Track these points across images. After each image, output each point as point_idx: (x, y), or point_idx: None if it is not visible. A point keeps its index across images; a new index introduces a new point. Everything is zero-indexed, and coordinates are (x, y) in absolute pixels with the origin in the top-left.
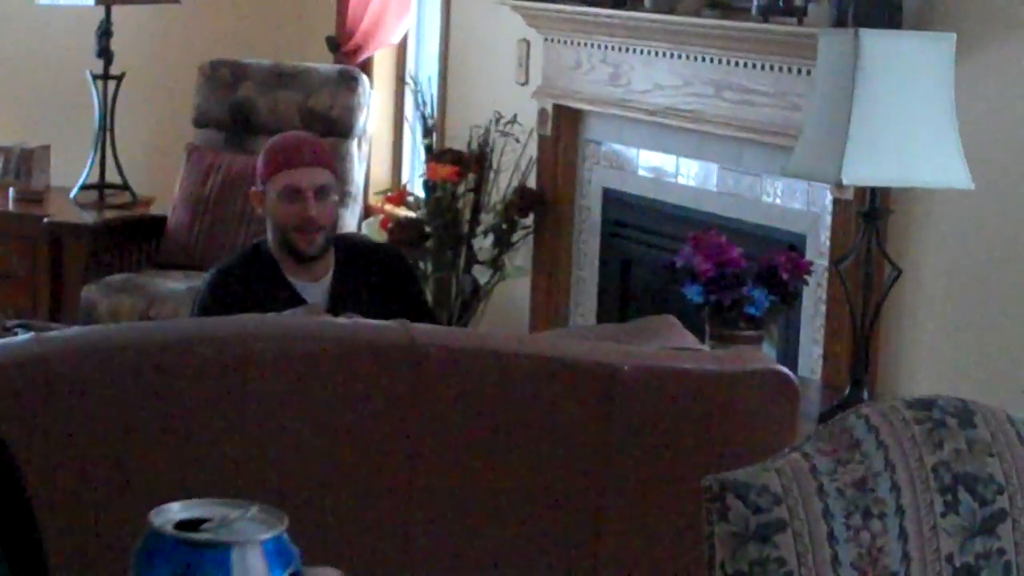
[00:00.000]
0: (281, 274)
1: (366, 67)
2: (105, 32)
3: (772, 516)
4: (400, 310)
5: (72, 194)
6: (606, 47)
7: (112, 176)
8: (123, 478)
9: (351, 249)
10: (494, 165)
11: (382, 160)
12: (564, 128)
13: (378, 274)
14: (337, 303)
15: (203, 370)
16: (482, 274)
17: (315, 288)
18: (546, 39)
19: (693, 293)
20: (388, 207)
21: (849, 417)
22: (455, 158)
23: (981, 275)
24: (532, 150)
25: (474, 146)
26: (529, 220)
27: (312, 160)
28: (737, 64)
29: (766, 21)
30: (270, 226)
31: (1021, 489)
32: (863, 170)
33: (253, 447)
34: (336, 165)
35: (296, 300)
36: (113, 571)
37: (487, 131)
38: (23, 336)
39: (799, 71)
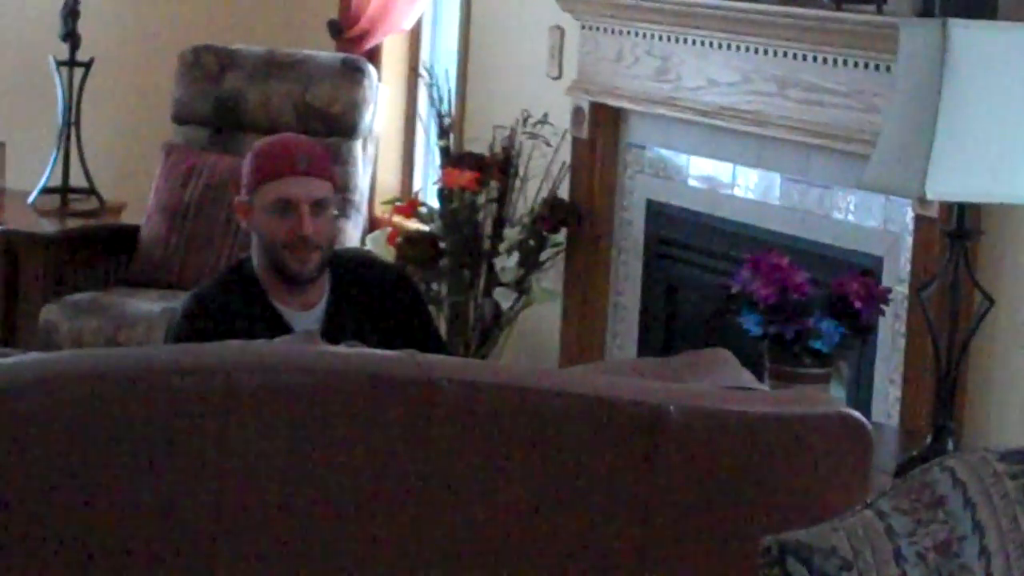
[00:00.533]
0: (267, 301)
1: (373, 56)
2: (71, 12)
3: None
4: (407, 344)
5: (30, 199)
6: (652, 36)
7: (77, 179)
8: (86, 525)
9: (350, 270)
10: (520, 172)
11: (390, 164)
12: (602, 130)
13: (380, 300)
14: (332, 334)
15: (179, 405)
16: (505, 298)
17: (306, 317)
18: (583, 26)
19: (751, 323)
20: (396, 219)
21: (932, 470)
22: (475, 163)
23: None
24: (565, 155)
25: (497, 149)
26: (561, 236)
27: (308, 169)
28: (805, 58)
29: (839, 9)
30: (256, 244)
31: None
32: (950, 183)
33: (235, 492)
34: (336, 173)
35: (284, 331)
36: None
37: (513, 132)
38: None
39: (877, 67)
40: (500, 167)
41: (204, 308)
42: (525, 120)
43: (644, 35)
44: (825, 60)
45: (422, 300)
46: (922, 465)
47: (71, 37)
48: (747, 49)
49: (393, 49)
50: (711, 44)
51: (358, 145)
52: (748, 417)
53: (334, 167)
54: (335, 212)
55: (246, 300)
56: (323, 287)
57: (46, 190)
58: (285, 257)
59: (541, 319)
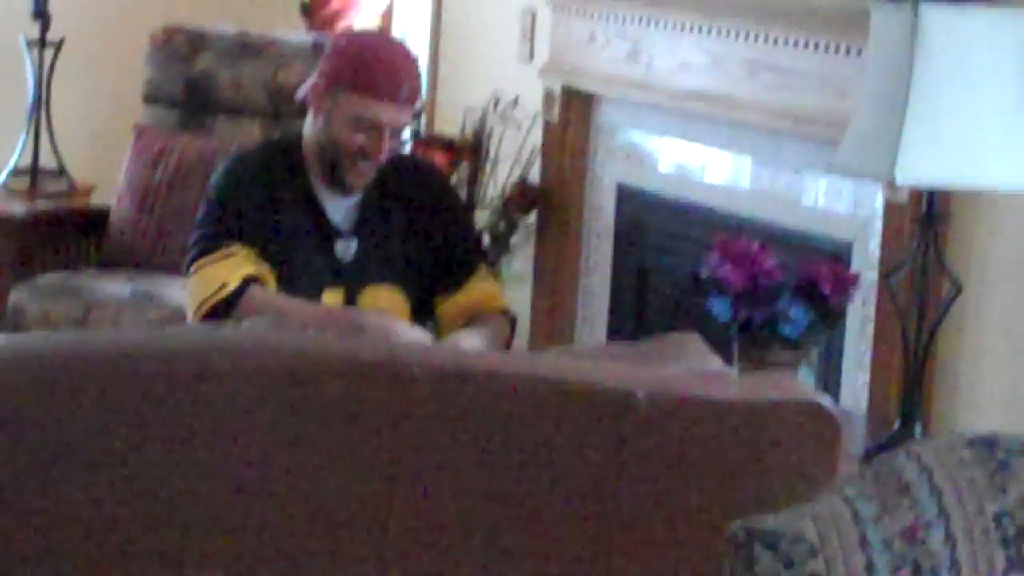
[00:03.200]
0: (307, 179)
1: None
2: None
3: (806, 570)
4: (443, 240)
5: None
6: (624, 19)
7: (47, 160)
8: (52, 511)
9: (393, 165)
10: (491, 154)
11: None
12: (574, 113)
13: (418, 200)
14: (364, 224)
15: (149, 388)
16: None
17: (343, 203)
18: (555, 9)
19: (720, 308)
20: None
21: (898, 456)
22: (446, 145)
23: None
24: (536, 138)
25: (468, 132)
26: (531, 219)
27: (406, 98)
28: (776, 42)
29: None
30: (318, 130)
31: None
32: (920, 168)
33: (206, 477)
34: None
35: (318, 215)
36: None
37: (484, 115)
38: None
39: (848, 51)
40: (471, 150)
41: (246, 169)
42: (496, 103)
43: (615, 18)
44: (796, 44)
45: (458, 200)
46: (889, 451)
47: (42, 17)
48: (718, 32)
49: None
50: (682, 27)
51: None
52: (716, 402)
53: None
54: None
55: (287, 174)
56: None
57: (16, 171)
58: (345, 166)
59: (511, 302)
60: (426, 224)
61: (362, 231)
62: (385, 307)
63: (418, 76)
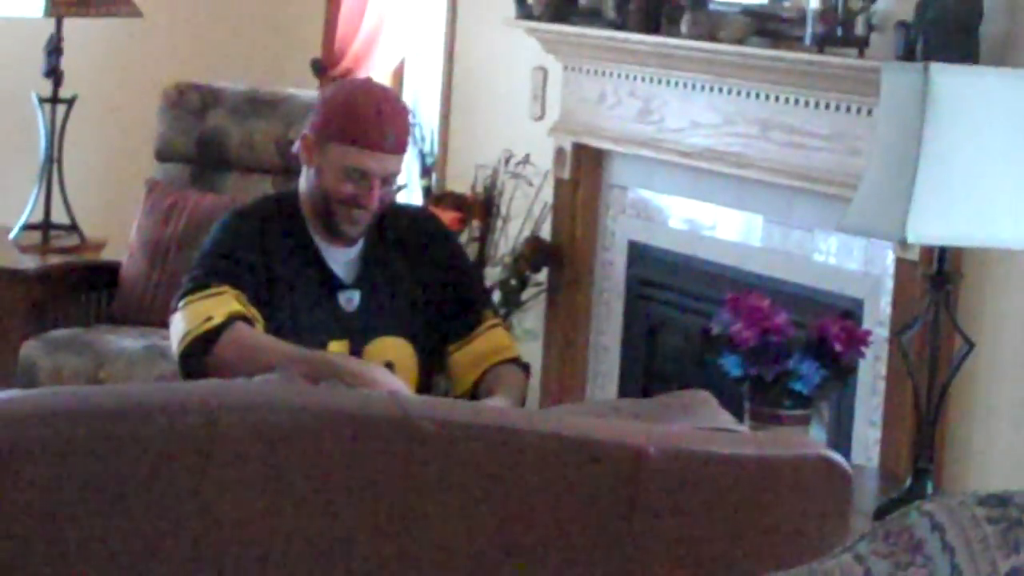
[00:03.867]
0: (307, 232)
1: None
2: (55, 48)
3: None
4: (448, 287)
5: (11, 235)
6: (635, 78)
7: (59, 215)
8: (62, 568)
9: (392, 215)
10: (503, 212)
11: None
12: (585, 171)
13: (419, 248)
14: (367, 275)
15: (161, 443)
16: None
17: (344, 255)
18: (566, 67)
19: (731, 365)
20: None
21: (910, 514)
22: (457, 203)
23: None
24: (547, 195)
25: (480, 189)
26: (542, 276)
27: (395, 148)
28: (787, 101)
29: (821, 52)
30: (310, 182)
31: None
32: (931, 227)
33: (216, 534)
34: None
35: (319, 267)
36: None
37: (495, 172)
38: None
39: (859, 110)
40: (482, 207)
41: (244, 223)
42: (508, 160)
43: (627, 76)
44: (807, 103)
45: (461, 248)
46: (901, 508)
47: (54, 73)
48: (730, 91)
49: None
50: (694, 86)
51: None
52: (728, 459)
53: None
54: (399, 181)
55: (286, 227)
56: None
57: (27, 226)
58: (339, 215)
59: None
60: (429, 272)
61: (365, 283)
62: (392, 359)
63: (405, 123)
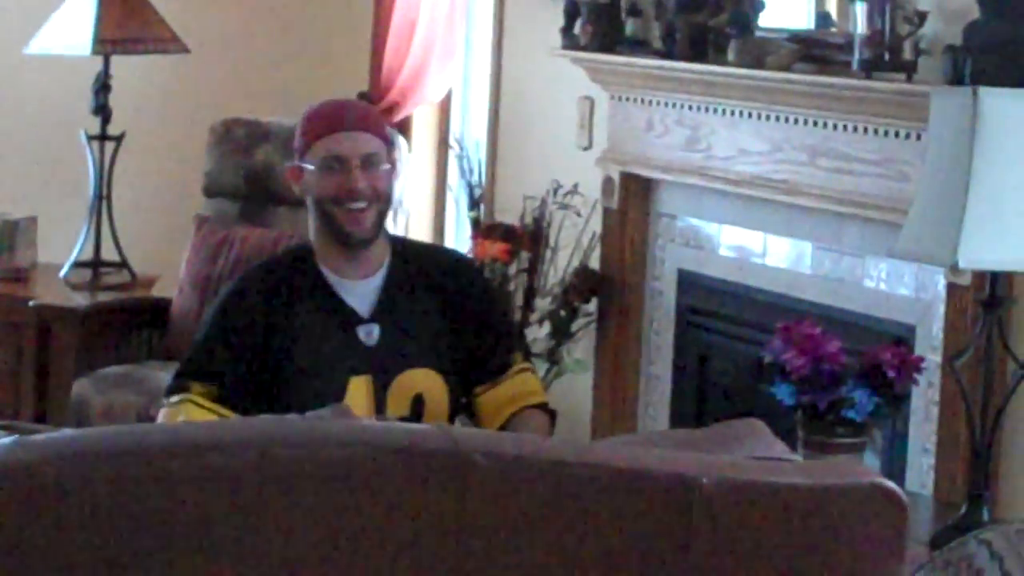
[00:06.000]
0: (317, 271)
1: (404, 128)
2: (103, 86)
3: None
4: (479, 329)
5: (62, 273)
6: (683, 106)
7: (108, 252)
8: None
9: (413, 250)
10: (551, 242)
11: (421, 236)
12: (633, 200)
13: (443, 283)
14: (387, 309)
15: (213, 481)
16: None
17: (360, 288)
18: (612, 97)
19: (783, 393)
20: None
21: (968, 542)
22: (506, 233)
23: None
24: (596, 225)
25: (528, 220)
26: (592, 306)
27: (357, 124)
28: (836, 127)
29: (869, 77)
30: (310, 209)
31: None
32: (983, 251)
33: (270, 570)
34: (388, 132)
35: (336, 302)
36: None
37: (543, 203)
38: (4, 440)
39: (908, 135)
40: (531, 237)
41: (250, 284)
42: (555, 190)
43: (674, 105)
44: (856, 129)
45: (491, 289)
46: (959, 538)
47: (102, 111)
48: (777, 118)
49: (423, 121)
50: (741, 114)
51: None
52: (782, 488)
53: (385, 124)
54: (387, 166)
55: (295, 272)
56: (382, 258)
57: (78, 264)
58: (337, 215)
59: (573, 390)
60: (459, 312)
61: (385, 316)
62: (422, 391)
63: (367, 108)
